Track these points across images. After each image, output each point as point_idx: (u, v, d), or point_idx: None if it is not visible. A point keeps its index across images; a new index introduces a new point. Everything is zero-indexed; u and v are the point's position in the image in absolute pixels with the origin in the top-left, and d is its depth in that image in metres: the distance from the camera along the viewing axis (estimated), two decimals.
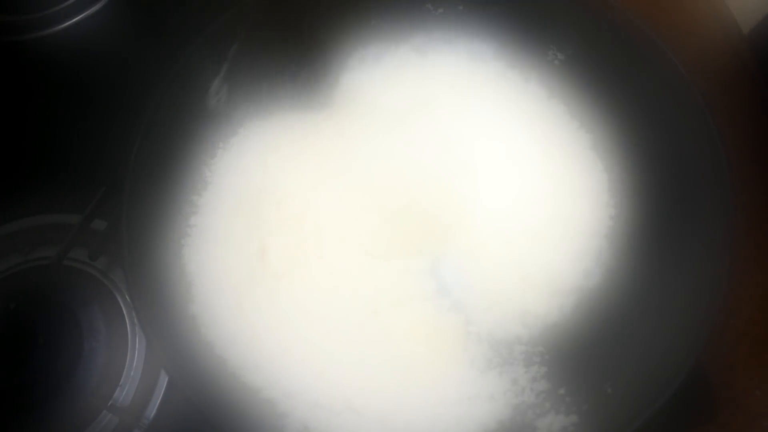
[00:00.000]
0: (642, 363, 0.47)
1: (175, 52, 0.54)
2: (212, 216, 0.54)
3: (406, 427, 0.48)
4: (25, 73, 0.65)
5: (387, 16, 0.58)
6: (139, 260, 0.48)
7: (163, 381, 0.54)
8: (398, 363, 0.50)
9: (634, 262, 0.52)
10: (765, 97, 0.63)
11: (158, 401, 0.53)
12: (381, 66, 0.58)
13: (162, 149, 0.52)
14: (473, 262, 0.53)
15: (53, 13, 0.65)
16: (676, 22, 0.65)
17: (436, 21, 0.59)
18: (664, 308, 0.49)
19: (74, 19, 0.66)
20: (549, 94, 0.57)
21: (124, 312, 0.55)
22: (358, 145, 0.56)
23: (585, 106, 0.56)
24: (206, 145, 0.55)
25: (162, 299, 0.48)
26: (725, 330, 0.55)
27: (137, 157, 0.50)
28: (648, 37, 0.52)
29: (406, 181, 0.55)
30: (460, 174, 0.55)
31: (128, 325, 0.54)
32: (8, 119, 0.63)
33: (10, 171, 0.61)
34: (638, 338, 0.48)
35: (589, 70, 0.56)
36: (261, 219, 0.54)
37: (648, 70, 0.52)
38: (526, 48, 0.57)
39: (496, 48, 0.58)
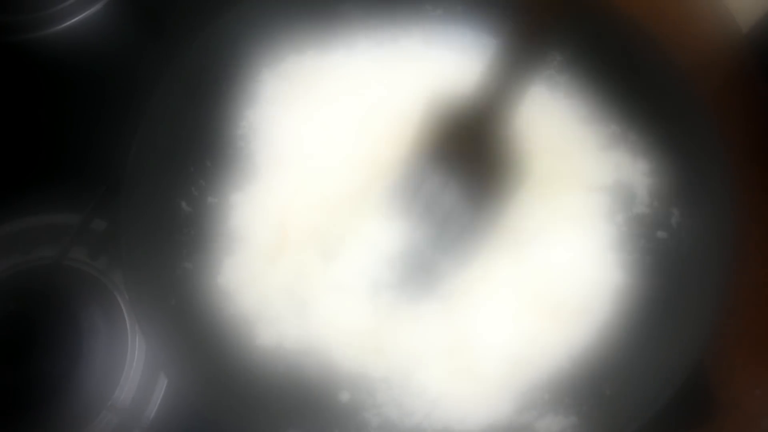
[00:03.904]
0: (641, 364, 0.47)
1: (175, 52, 0.54)
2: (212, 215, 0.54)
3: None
4: (25, 73, 0.65)
5: (386, 16, 0.58)
6: (137, 261, 0.48)
7: (163, 381, 0.54)
8: (403, 361, 0.50)
9: (634, 262, 0.52)
10: (765, 97, 0.63)
11: (158, 401, 0.53)
12: (380, 66, 0.58)
13: (161, 149, 0.52)
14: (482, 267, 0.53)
15: (53, 13, 0.66)
16: (674, 21, 0.65)
17: (435, 22, 0.59)
18: (664, 308, 0.49)
19: (74, 19, 0.66)
20: (549, 94, 0.57)
21: (124, 312, 0.55)
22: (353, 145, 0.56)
23: (583, 107, 0.56)
24: (206, 144, 0.55)
25: (161, 300, 0.48)
26: (725, 330, 0.54)
27: (136, 156, 0.50)
28: (647, 37, 0.52)
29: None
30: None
31: (128, 325, 0.54)
32: (8, 119, 0.63)
33: (10, 171, 0.61)
34: (637, 338, 0.48)
35: (588, 70, 0.56)
36: (263, 219, 0.54)
37: (647, 70, 0.53)
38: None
39: (495, 47, 0.58)
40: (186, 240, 0.52)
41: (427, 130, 0.52)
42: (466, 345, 0.50)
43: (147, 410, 0.53)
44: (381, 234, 0.53)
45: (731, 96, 0.63)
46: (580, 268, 0.52)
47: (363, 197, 0.54)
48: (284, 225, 0.54)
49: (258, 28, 0.56)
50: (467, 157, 0.51)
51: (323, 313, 0.51)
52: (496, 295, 0.51)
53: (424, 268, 0.52)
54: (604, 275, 0.52)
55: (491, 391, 0.48)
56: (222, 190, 0.55)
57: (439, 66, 0.58)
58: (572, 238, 0.53)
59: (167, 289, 0.50)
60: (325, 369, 0.49)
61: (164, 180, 0.52)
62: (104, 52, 0.65)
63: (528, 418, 0.47)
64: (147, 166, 0.51)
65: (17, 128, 0.63)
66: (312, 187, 0.55)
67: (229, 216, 0.54)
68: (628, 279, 0.51)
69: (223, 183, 0.55)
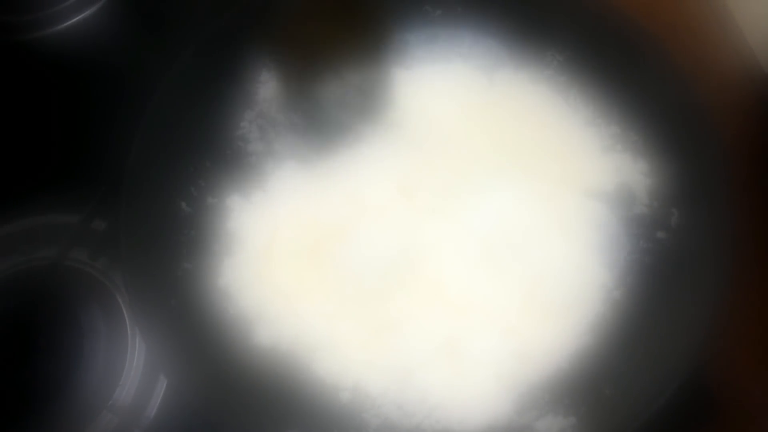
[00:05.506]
0: (641, 364, 0.47)
1: (175, 52, 0.54)
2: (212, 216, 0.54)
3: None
4: (24, 74, 0.65)
5: (385, 18, 0.58)
6: (137, 261, 0.48)
7: (163, 381, 0.54)
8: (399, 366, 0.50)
9: (633, 262, 0.52)
10: (765, 97, 0.63)
11: (158, 401, 0.53)
12: (380, 67, 0.58)
13: (161, 149, 0.52)
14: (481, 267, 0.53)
15: (53, 13, 0.66)
16: (673, 21, 0.65)
17: (434, 22, 0.59)
18: (664, 308, 0.49)
19: (74, 19, 0.66)
20: (548, 95, 0.57)
21: (124, 312, 0.55)
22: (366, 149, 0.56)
23: (583, 107, 0.56)
24: (206, 144, 0.55)
25: (161, 300, 0.48)
26: (725, 330, 0.54)
27: (136, 157, 0.50)
28: (647, 37, 0.52)
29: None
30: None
31: (128, 325, 0.54)
32: (8, 119, 0.63)
33: (10, 171, 0.61)
34: (637, 338, 0.48)
35: (588, 71, 0.56)
36: (263, 219, 0.54)
37: (647, 70, 0.53)
38: (525, 49, 0.57)
39: (495, 49, 0.58)
40: (186, 240, 0.52)
41: None
42: (466, 345, 0.50)
43: (147, 410, 0.53)
44: (380, 233, 0.53)
45: (731, 97, 0.63)
46: (580, 269, 0.52)
47: (363, 197, 0.54)
48: (283, 226, 0.54)
49: (259, 29, 0.56)
50: None
51: (322, 312, 0.51)
52: (495, 295, 0.51)
53: (422, 263, 0.52)
54: (603, 275, 0.52)
55: (491, 391, 0.48)
56: (222, 190, 0.55)
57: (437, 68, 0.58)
58: (572, 238, 0.53)
59: (167, 290, 0.50)
60: (324, 369, 0.49)
61: (164, 180, 0.52)
62: (104, 52, 0.65)
63: (527, 419, 0.47)
64: (147, 167, 0.51)
65: (16, 129, 0.63)
66: (311, 188, 0.55)
67: (228, 216, 0.54)
68: (627, 279, 0.51)
69: (223, 183, 0.55)
